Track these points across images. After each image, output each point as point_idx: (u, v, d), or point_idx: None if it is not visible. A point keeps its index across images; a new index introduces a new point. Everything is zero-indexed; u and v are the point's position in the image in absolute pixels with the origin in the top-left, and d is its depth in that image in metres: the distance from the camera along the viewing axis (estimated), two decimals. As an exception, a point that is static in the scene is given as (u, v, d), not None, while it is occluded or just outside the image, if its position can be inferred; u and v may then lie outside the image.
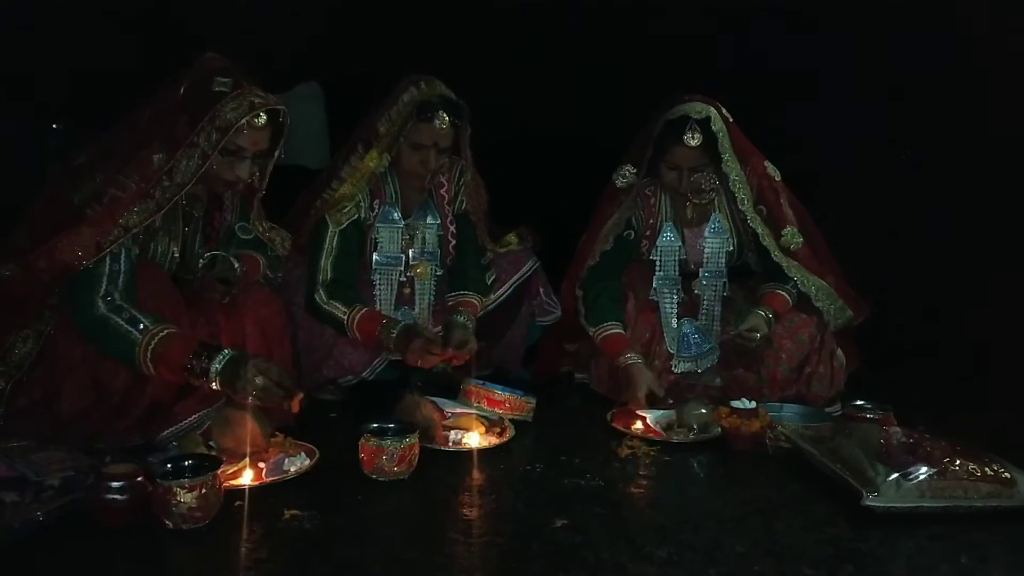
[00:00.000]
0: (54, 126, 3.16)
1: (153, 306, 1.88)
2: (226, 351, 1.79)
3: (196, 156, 1.86)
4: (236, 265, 2.10)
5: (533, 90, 3.44)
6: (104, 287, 1.82)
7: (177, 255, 2.06)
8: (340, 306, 2.33)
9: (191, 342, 1.81)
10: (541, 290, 2.68)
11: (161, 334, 1.78)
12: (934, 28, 2.90)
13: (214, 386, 1.77)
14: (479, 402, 2.19)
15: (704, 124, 2.34)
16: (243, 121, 1.86)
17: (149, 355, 1.77)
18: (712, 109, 2.36)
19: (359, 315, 2.31)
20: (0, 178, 2.99)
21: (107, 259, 1.84)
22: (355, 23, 3.61)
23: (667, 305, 2.52)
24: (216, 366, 1.76)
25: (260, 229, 2.26)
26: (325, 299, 2.35)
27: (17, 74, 2.95)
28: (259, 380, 1.74)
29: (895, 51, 2.98)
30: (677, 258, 2.54)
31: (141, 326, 1.79)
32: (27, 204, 2.03)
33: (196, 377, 1.78)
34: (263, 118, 1.90)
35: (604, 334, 2.43)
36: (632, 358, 2.35)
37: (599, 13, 3.47)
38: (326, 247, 2.39)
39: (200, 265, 2.09)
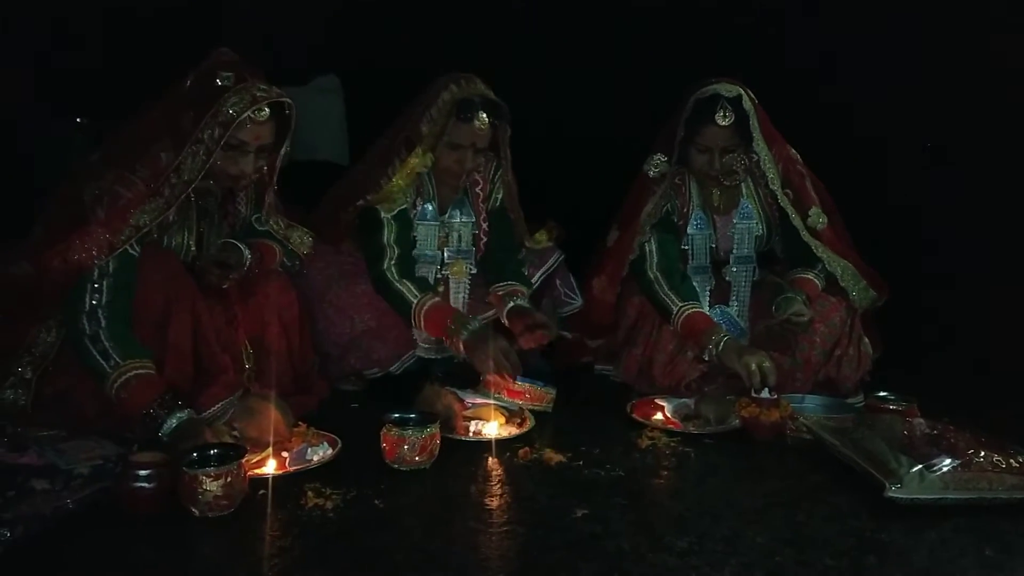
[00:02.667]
0: (78, 120, 3.20)
1: (161, 297, 1.88)
2: (183, 413, 1.76)
3: (201, 152, 1.86)
4: (245, 252, 2.09)
5: (548, 84, 3.43)
6: (88, 304, 1.80)
7: (193, 248, 2.07)
8: (413, 288, 2.30)
9: (155, 391, 1.77)
10: (558, 281, 2.67)
11: (128, 374, 1.76)
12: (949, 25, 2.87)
13: (163, 437, 1.75)
14: (499, 392, 2.19)
15: (735, 103, 2.31)
16: (245, 115, 1.85)
17: (113, 393, 1.77)
18: (740, 89, 2.34)
19: (429, 303, 2.27)
20: (27, 174, 3.04)
21: (95, 268, 1.83)
22: (374, 15, 3.61)
23: (700, 293, 2.50)
24: (171, 423, 1.74)
25: (275, 227, 2.24)
26: (396, 276, 2.31)
27: (42, 68, 2.99)
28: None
29: (914, 46, 2.95)
30: (707, 245, 2.53)
31: (112, 362, 1.76)
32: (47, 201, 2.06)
33: (147, 426, 1.77)
34: (266, 112, 1.90)
35: (687, 312, 2.35)
36: (727, 336, 2.28)
37: (615, 9, 3.45)
38: (385, 228, 2.36)
39: (211, 252, 2.09)
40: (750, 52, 3.17)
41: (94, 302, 1.81)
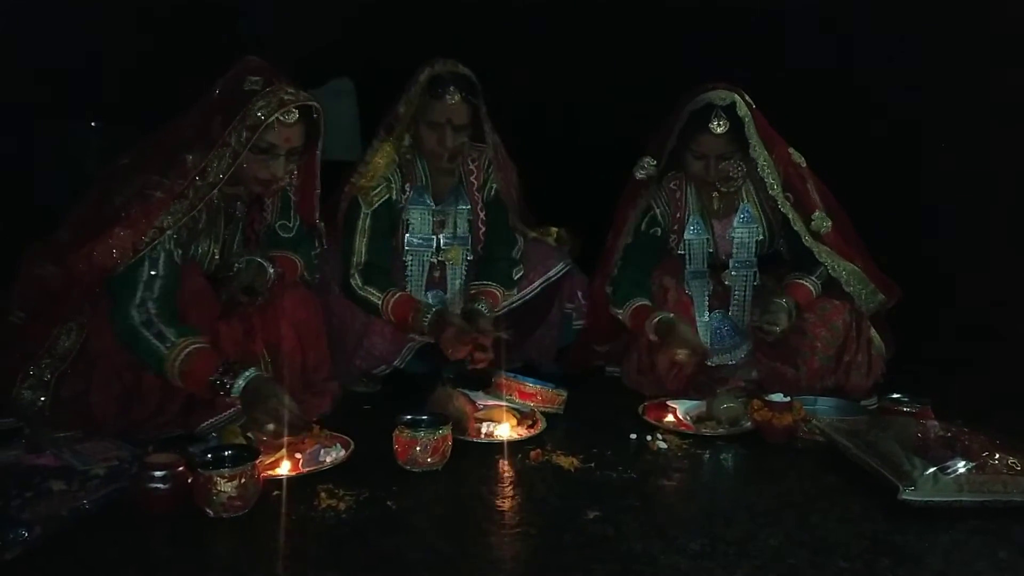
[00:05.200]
0: (92, 124, 3.23)
1: (185, 311, 1.91)
2: (250, 371, 1.79)
3: (227, 155, 1.88)
4: (270, 269, 2.11)
5: (565, 88, 3.43)
6: (139, 295, 1.84)
7: (217, 256, 2.09)
8: (375, 291, 2.38)
9: (217, 360, 1.81)
10: (580, 293, 2.65)
11: (188, 349, 1.79)
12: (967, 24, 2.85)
13: (236, 402, 1.79)
14: (510, 394, 2.20)
15: (729, 111, 2.31)
16: (272, 118, 1.86)
17: (176, 370, 1.79)
18: (736, 95, 2.33)
19: (393, 299, 2.36)
20: (43, 177, 3.07)
21: (146, 263, 1.86)
22: (387, 18, 3.63)
23: (697, 298, 2.51)
24: (240, 383, 1.77)
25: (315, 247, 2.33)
26: (360, 284, 2.39)
27: (57, 72, 3.02)
28: (271, 427, 1.73)
29: (927, 45, 2.94)
30: (705, 250, 2.52)
31: (168, 343, 1.80)
32: (70, 203, 2.08)
33: (220, 393, 1.79)
34: (294, 114, 1.91)
35: (631, 309, 2.41)
36: (662, 314, 2.33)
37: (628, 11, 3.45)
38: (359, 228, 2.42)
39: (235, 269, 2.10)
40: (753, 50, 3.17)
41: (145, 295, 1.84)
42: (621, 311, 2.45)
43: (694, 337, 2.31)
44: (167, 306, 1.87)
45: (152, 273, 1.87)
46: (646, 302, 2.42)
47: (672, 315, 2.34)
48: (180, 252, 1.94)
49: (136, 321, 1.82)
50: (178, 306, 1.91)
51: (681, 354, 2.25)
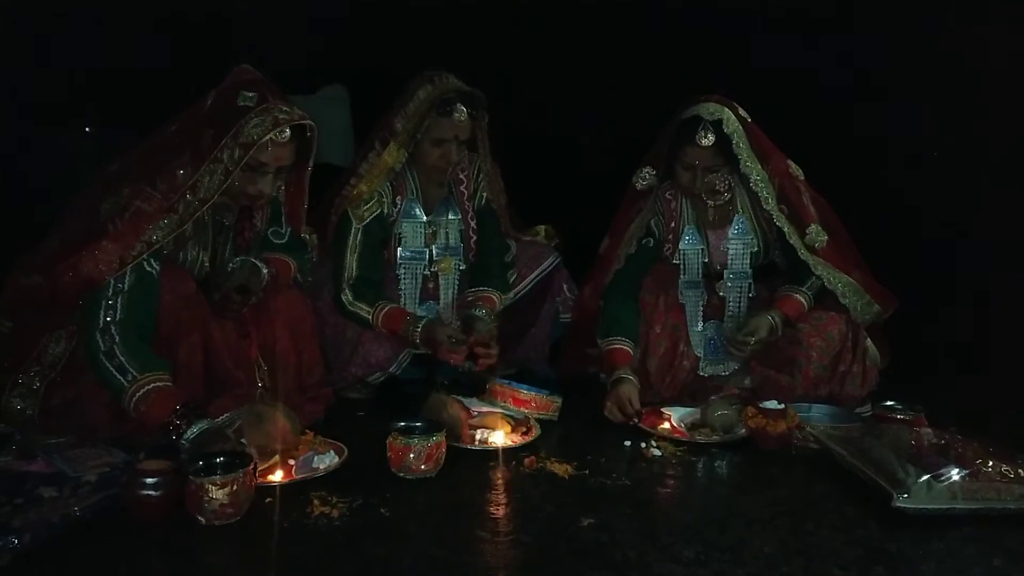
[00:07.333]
0: (87, 129, 3.22)
1: (172, 319, 1.89)
2: (204, 422, 1.75)
3: (219, 172, 1.86)
4: (264, 270, 2.10)
5: (555, 91, 3.44)
6: (102, 319, 1.79)
7: (207, 264, 2.08)
8: (364, 307, 2.39)
9: (175, 401, 1.76)
10: (565, 286, 2.69)
11: (148, 387, 1.75)
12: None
13: (184, 444, 1.73)
14: (505, 401, 2.21)
15: (717, 125, 2.32)
16: (266, 138, 1.85)
17: (132, 407, 1.76)
18: (726, 110, 2.33)
19: (382, 313, 2.38)
20: (36, 182, 3.06)
21: (111, 281, 1.82)
22: (379, 25, 3.64)
23: (692, 308, 2.51)
24: (192, 431, 1.72)
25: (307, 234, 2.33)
26: (351, 299, 2.40)
27: (51, 76, 3.01)
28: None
29: (922, 49, 2.95)
30: (700, 260, 2.53)
31: (129, 376, 1.75)
32: (59, 209, 2.07)
33: (171, 435, 1.75)
34: (287, 134, 1.89)
35: (610, 347, 2.40)
36: (624, 373, 2.30)
37: (626, 13, 3.46)
38: (350, 243, 2.43)
39: (229, 270, 2.08)
40: (753, 54, 3.18)
41: (108, 319, 1.80)
42: (601, 341, 2.44)
43: (625, 400, 2.21)
44: (133, 328, 1.81)
45: (119, 286, 1.82)
46: (625, 347, 2.38)
47: (629, 376, 2.28)
48: (155, 262, 1.88)
49: (99, 349, 1.78)
50: (164, 313, 1.88)
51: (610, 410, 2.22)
